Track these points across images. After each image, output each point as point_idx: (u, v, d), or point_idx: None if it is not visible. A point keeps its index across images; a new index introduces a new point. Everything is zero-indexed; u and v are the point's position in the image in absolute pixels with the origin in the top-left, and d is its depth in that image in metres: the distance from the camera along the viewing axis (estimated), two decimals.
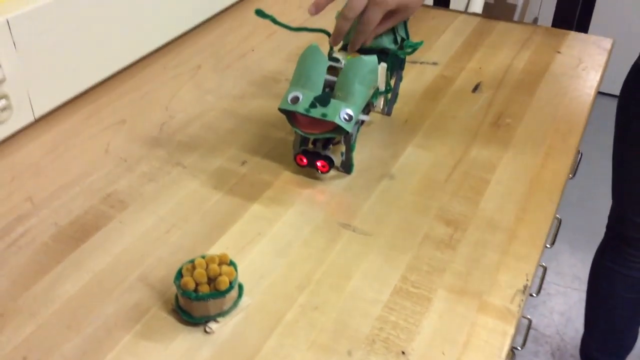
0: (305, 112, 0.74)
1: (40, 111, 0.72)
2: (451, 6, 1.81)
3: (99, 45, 0.77)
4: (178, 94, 0.96)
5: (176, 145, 0.87)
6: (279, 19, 0.82)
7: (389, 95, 0.93)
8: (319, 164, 0.80)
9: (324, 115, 0.74)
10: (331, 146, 0.81)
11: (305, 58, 0.77)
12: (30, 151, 0.75)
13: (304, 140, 0.81)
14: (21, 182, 0.75)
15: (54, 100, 0.74)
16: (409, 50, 0.83)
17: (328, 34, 0.82)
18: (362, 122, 0.84)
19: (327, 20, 0.88)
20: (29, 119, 0.71)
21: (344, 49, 0.85)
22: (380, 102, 0.92)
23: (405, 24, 0.85)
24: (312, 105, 0.74)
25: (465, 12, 1.27)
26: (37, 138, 0.75)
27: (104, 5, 0.76)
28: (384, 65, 0.84)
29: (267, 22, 0.82)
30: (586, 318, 1.51)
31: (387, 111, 0.94)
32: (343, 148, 0.80)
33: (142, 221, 0.75)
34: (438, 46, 1.14)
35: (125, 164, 0.84)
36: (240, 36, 1.07)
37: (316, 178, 0.81)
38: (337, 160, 0.81)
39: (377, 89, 0.82)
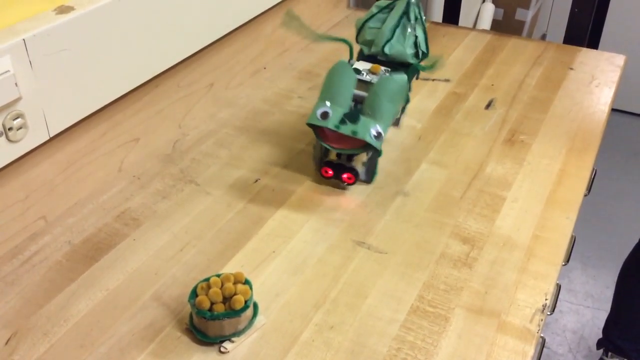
0: (335, 129, 0.75)
1: (55, 129, 0.73)
2: (460, 23, 1.81)
3: (113, 64, 0.78)
4: (191, 111, 0.96)
5: (189, 163, 0.87)
6: (289, 38, 0.82)
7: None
8: (345, 176, 0.80)
9: (354, 132, 0.74)
10: (355, 158, 0.82)
11: (334, 73, 0.77)
12: (45, 169, 0.75)
13: (326, 152, 0.82)
14: (35, 200, 0.74)
15: (68, 118, 0.74)
16: (433, 63, 0.82)
17: (349, 44, 0.83)
18: None
19: (349, 31, 0.88)
20: (44, 137, 0.71)
21: (362, 58, 0.85)
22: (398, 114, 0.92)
23: (426, 38, 0.85)
24: (342, 121, 0.75)
25: (475, 28, 1.28)
26: (51, 156, 0.75)
27: (118, 24, 0.77)
28: (405, 78, 0.84)
29: (279, 39, 0.82)
30: (613, 304, 1.54)
31: (396, 123, 0.95)
32: (364, 157, 0.81)
33: (155, 239, 0.74)
34: (450, 63, 1.14)
35: (139, 182, 0.84)
36: (252, 54, 1.08)
37: (331, 192, 0.81)
38: (362, 172, 0.82)
39: (405, 104, 0.82)
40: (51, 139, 0.74)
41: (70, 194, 0.79)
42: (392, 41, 0.81)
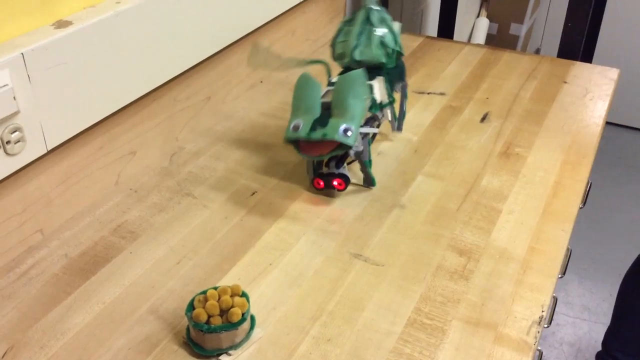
0: (306, 137, 0.75)
1: (52, 143, 0.73)
2: (455, 38, 1.83)
3: (110, 78, 0.78)
4: (188, 125, 0.97)
5: (186, 176, 0.88)
6: (285, 54, 0.84)
7: (397, 112, 0.95)
8: (335, 182, 0.82)
9: (324, 135, 0.75)
10: (345, 165, 0.83)
11: (300, 87, 0.79)
12: (42, 182, 0.75)
13: (318, 165, 0.83)
14: (32, 214, 0.74)
15: (66, 132, 0.74)
16: (394, 56, 0.86)
17: (325, 63, 0.85)
18: (374, 135, 0.85)
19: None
20: (42, 150, 0.72)
21: (342, 73, 0.87)
22: (387, 115, 0.93)
23: (395, 37, 0.87)
24: (312, 128, 0.75)
25: (469, 43, 1.29)
26: (48, 169, 0.75)
27: (115, 39, 0.77)
28: (380, 78, 0.86)
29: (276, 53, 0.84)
30: (613, 317, 1.54)
31: (398, 127, 0.96)
32: (358, 165, 0.82)
33: (152, 252, 0.74)
34: (445, 77, 1.14)
35: (136, 195, 0.84)
36: (249, 68, 1.08)
37: (328, 205, 0.81)
38: (353, 176, 0.83)
39: (374, 100, 0.83)
40: (48, 153, 0.74)
41: (67, 207, 0.79)
42: (360, 47, 0.84)
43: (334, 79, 0.84)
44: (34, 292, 0.69)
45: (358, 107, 0.77)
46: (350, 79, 0.76)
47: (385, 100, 0.87)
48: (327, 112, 0.77)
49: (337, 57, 0.88)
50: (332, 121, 0.75)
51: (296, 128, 0.76)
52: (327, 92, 0.80)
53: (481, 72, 1.16)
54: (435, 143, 0.95)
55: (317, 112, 0.77)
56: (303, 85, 0.78)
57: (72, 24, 0.72)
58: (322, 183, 0.82)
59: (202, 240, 0.76)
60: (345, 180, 0.82)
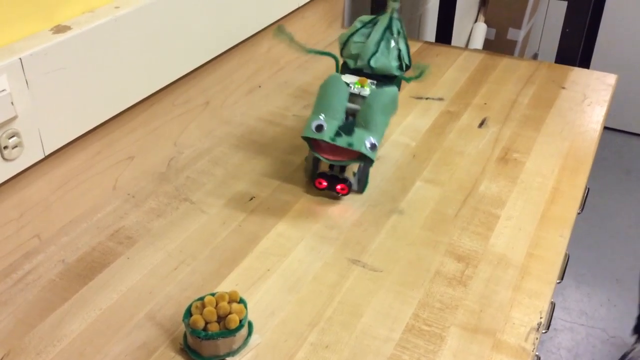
0: (331, 141, 0.76)
1: (50, 148, 0.73)
2: (453, 43, 1.83)
3: (109, 83, 0.78)
4: (186, 129, 0.97)
5: (184, 181, 0.87)
6: (283, 58, 0.85)
7: None
8: (339, 187, 0.82)
9: (350, 144, 0.76)
10: (346, 168, 0.84)
11: (327, 86, 0.79)
12: (40, 188, 0.74)
13: (317, 164, 0.84)
14: (29, 219, 0.74)
15: (64, 137, 0.74)
16: (420, 73, 0.84)
17: (336, 58, 0.84)
18: None
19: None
20: (39, 155, 0.71)
21: (347, 71, 0.86)
22: None
23: (408, 51, 0.87)
24: (337, 133, 0.77)
25: (467, 48, 1.29)
26: (46, 174, 0.75)
27: (114, 44, 0.77)
28: (395, 89, 0.86)
29: (274, 58, 0.84)
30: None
31: None
32: (354, 168, 0.83)
33: (150, 258, 0.74)
34: (443, 82, 1.15)
35: (133, 200, 0.84)
36: (248, 72, 1.08)
37: (326, 210, 0.81)
38: (354, 182, 0.84)
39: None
40: (46, 158, 0.74)
41: (64, 213, 0.79)
42: (377, 54, 0.83)
43: (345, 78, 0.82)
44: (30, 298, 0.69)
45: (384, 123, 0.79)
46: (386, 96, 0.78)
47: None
48: (350, 119, 0.78)
49: (348, 56, 0.86)
50: (358, 132, 0.77)
51: (319, 128, 0.77)
52: (350, 97, 0.80)
53: (479, 77, 1.16)
54: (433, 148, 0.95)
55: (341, 117, 0.78)
56: (332, 86, 0.79)
57: (70, 29, 0.72)
58: (325, 183, 0.83)
59: (200, 245, 0.76)
60: (349, 185, 0.82)
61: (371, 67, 0.83)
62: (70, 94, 0.73)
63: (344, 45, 0.87)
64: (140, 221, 0.80)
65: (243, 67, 1.07)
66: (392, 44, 0.84)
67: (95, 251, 0.75)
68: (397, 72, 0.84)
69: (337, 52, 0.91)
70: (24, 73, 0.67)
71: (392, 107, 0.80)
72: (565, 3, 1.23)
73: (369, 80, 0.82)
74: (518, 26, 2.36)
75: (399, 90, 0.92)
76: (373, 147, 0.77)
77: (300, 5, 1.15)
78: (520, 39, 2.39)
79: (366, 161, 0.79)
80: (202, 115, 1.00)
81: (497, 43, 2.41)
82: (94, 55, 0.75)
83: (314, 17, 1.24)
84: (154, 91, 0.86)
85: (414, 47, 1.28)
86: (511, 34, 2.38)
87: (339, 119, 0.78)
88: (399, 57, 0.85)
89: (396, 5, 0.85)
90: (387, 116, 0.79)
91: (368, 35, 0.84)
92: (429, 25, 1.94)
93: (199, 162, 0.91)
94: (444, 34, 1.64)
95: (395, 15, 0.86)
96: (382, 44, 0.83)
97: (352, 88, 0.81)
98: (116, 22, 0.76)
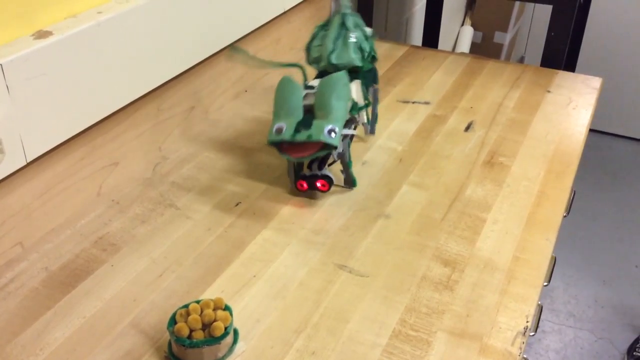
0: (291, 139, 0.76)
1: (32, 155, 0.72)
2: (439, 47, 1.84)
3: (92, 88, 0.77)
4: (172, 135, 0.96)
5: (169, 187, 0.87)
6: (265, 59, 0.86)
7: (370, 114, 0.97)
8: (318, 184, 0.82)
9: (309, 136, 0.75)
10: (327, 166, 0.84)
11: (281, 89, 0.79)
12: (22, 194, 0.73)
13: (299, 167, 0.84)
14: (11, 226, 0.73)
15: (46, 143, 0.73)
16: (369, 59, 0.87)
17: (301, 67, 0.85)
18: (352, 137, 0.87)
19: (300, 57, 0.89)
20: (21, 162, 0.71)
21: (318, 77, 0.89)
22: (363, 118, 0.93)
23: (369, 40, 0.88)
24: (297, 130, 0.76)
25: (454, 52, 1.29)
26: (28, 181, 0.74)
27: (97, 49, 0.76)
28: (357, 81, 0.88)
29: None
30: None
31: (371, 130, 0.98)
32: (340, 166, 0.83)
33: (134, 265, 0.73)
34: (429, 86, 1.15)
35: (118, 206, 0.83)
36: (233, 77, 1.08)
37: (312, 215, 0.81)
38: (335, 178, 0.84)
39: (355, 102, 0.85)
40: (28, 164, 0.73)
41: (47, 220, 0.78)
42: (336, 51, 0.86)
43: (312, 83, 0.84)
44: (13, 307, 0.68)
45: (341, 109, 0.78)
46: (333, 81, 0.77)
47: (362, 102, 0.88)
48: (309, 114, 0.78)
49: (312, 61, 0.89)
50: (316, 122, 0.76)
51: (279, 131, 0.77)
52: (306, 95, 0.80)
53: (465, 81, 1.16)
54: (420, 152, 0.95)
55: (299, 115, 0.78)
56: (284, 88, 0.78)
57: (52, 34, 0.71)
58: (305, 185, 0.83)
59: (185, 252, 0.75)
60: (329, 181, 0.82)
61: (334, 65, 0.86)
62: (52, 99, 0.72)
63: (308, 53, 0.89)
64: (124, 227, 0.79)
65: (229, 71, 1.06)
66: (351, 38, 0.86)
67: (78, 258, 0.74)
68: (360, 63, 0.86)
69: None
70: (5, 79, 0.66)
71: (345, 90, 0.78)
72: (551, 7, 1.24)
73: None
74: (504, 29, 2.38)
75: (377, 82, 0.94)
76: (331, 132, 0.75)
77: (286, 9, 1.15)
78: (506, 42, 2.40)
79: (330, 149, 0.77)
80: (188, 120, 0.99)
81: (484, 46, 2.42)
82: (77, 60, 0.74)
83: (299, 21, 1.24)
84: (138, 96, 0.86)
85: (401, 51, 1.28)
86: (498, 37, 2.40)
87: (297, 116, 0.78)
88: (360, 49, 0.86)
89: (347, 1, 0.88)
90: (341, 101, 0.78)
91: (325, 37, 0.87)
92: (416, 29, 1.94)
93: (184, 168, 0.91)
94: (431, 38, 1.64)
95: (348, 10, 0.88)
96: (339, 41, 0.86)
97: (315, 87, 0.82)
98: (99, 27, 0.75)
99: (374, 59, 0.89)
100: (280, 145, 0.78)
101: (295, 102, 0.78)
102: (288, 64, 0.85)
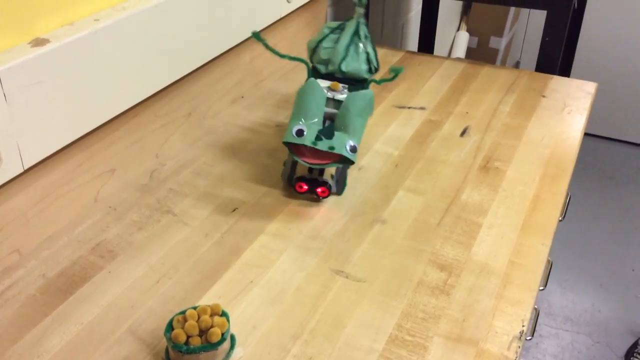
0: (312, 145, 0.78)
1: (29, 162, 0.72)
2: (435, 52, 1.85)
3: (89, 95, 0.78)
4: (168, 141, 0.96)
5: (166, 193, 0.87)
6: (267, 68, 0.86)
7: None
8: (319, 190, 0.83)
9: (331, 148, 0.78)
10: (325, 171, 0.85)
11: (305, 92, 0.80)
12: (19, 202, 0.74)
13: (295, 168, 0.85)
14: (9, 233, 0.73)
15: (43, 150, 0.73)
16: (393, 75, 0.87)
17: (307, 63, 0.87)
18: None
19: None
20: (18, 170, 0.71)
21: (317, 76, 0.88)
22: None
23: (375, 54, 0.89)
24: (318, 138, 0.78)
25: (450, 57, 1.30)
26: (25, 188, 0.74)
27: (94, 56, 0.77)
28: (371, 92, 0.88)
29: (256, 69, 0.84)
30: None
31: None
32: (332, 171, 0.84)
33: (131, 271, 0.73)
34: (425, 91, 1.15)
35: (115, 213, 0.83)
36: (230, 83, 1.08)
37: (309, 221, 0.81)
38: (333, 185, 0.85)
39: None
40: (25, 171, 0.73)
41: (44, 227, 0.78)
42: (348, 59, 0.85)
43: (338, 96, 0.83)
44: (10, 314, 0.68)
45: (362, 126, 0.81)
46: (361, 98, 0.79)
47: None
48: (329, 123, 0.80)
49: (319, 61, 0.87)
50: (338, 135, 0.79)
51: (300, 133, 0.78)
52: (327, 101, 0.82)
53: (461, 86, 1.17)
54: (415, 158, 0.95)
55: (320, 121, 0.80)
56: (310, 91, 0.80)
57: (49, 42, 0.71)
58: (305, 187, 0.84)
59: (182, 258, 0.75)
60: (329, 188, 0.83)
61: (342, 72, 0.86)
62: (49, 107, 0.73)
63: (314, 51, 0.89)
64: (121, 234, 0.79)
65: (226, 77, 1.07)
66: (361, 48, 0.86)
67: (76, 265, 0.74)
68: (367, 75, 0.87)
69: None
70: (2, 87, 0.66)
71: (368, 109, 0.82)
72: (545, 12, 1.25)
73: (341, 85, 0.85)
74: (500, 34, 2.39)
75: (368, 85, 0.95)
76: (353, 149, 0.79)
77: (283, 15, 1.15)
78: (502, 47, 2.42)
79: (347, 164, 0.80)
80: (185, 126, 0.99)
81: (480, 51, 2.44)
82: (74, 68, 0.74)
83: (296, 28, 1.24)
84: (135, 103, 0.86)
85: (397, 56, 1.29)
86: (493, 42, 2.41)
87: (318, 123, 0.80)
88: (368, 61, 0.87)
89: (362, 10, 0.88)
90: (364, 118, 0.81)
91: (336, 41, 0.87)
92: (412, 34, 1.95)
93: (181, 174, 0.91)
94: (427, 43, 1.65)
95: (362, 20, 0.88)
96: (352, 49, 0.86)
97: (327, 92, 0.83)
98: (96, 34, 0.76)
99: (376, 70, 0.90)
100: (296, 148, 0.79)
101: (319, 108, 0.80)
102: (295, 57, 0.86)
